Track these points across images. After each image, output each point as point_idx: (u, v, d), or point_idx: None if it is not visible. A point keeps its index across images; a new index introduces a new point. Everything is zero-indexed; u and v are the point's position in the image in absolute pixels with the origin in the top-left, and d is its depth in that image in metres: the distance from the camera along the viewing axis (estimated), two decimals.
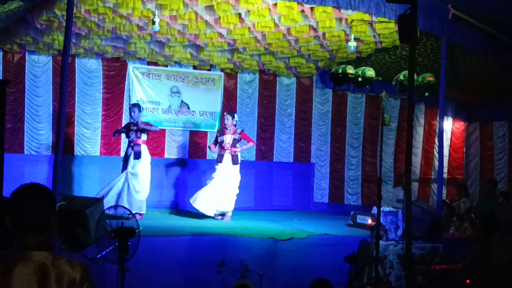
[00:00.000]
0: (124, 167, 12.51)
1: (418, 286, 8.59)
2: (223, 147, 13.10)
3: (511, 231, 9.23)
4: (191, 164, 15.55)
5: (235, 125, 13.24)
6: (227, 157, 13.10)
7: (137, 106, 12.96)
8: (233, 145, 13.10)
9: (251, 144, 13.66)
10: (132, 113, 12.71)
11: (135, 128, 12.57)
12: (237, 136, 13.17)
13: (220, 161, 13.10)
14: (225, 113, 13.59)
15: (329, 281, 6.35)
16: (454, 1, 11.54)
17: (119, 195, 12.25)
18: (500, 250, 7.52)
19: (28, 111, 14.17)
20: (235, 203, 13.26)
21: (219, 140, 13.17)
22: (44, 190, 3.24)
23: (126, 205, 11.52)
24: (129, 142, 12.60)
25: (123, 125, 14.84)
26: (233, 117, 13.29)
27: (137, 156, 12.46)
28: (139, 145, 12.53)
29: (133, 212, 11.56)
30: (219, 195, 12.98)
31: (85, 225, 9.13)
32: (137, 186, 12.44)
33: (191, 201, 13.04)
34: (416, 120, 16.84)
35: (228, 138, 13.11)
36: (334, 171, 17.01)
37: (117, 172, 14.70)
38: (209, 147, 13.58)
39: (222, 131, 13.30)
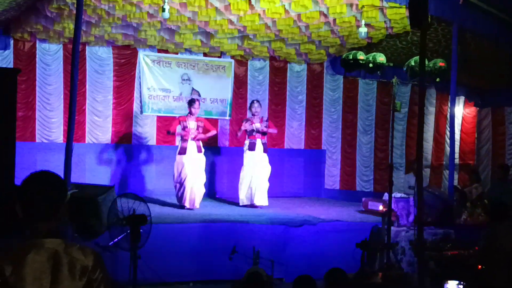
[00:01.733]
0: (185, 160, 12.69)
1: (429, 272, 8.59)
2: (254, 135, 13.26)
3: None
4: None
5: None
6: (259, 145, 13.29)
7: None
8: (264, 132, 13.36)
9: (275, 131, 13.85)
10: (195, 108, 12.90)
11: (202, 124, 12.93)
12: (265, 124, 13.35)
13: (253, 149, 13.30)
14: (255, 101, 13.67)
15: (343, 270, 6.35)
16: None
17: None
18: (509, 237, 7.51)
19: (40, 100, 14.22)
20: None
21: (248, 129, 13.27)
22: (54, 177, 3.25)
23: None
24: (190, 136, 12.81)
25: (134, 114, 14.92)
26: (261, 105, 13.66)
27: (200, 150, 12.84)
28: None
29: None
30: (264, 185, 13.42)
31: (97, 212, 9.14)
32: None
33: (259, 203, 13.32)
34: (428, 105, 16.78)
35: (258, 126, 13.27)
36: (345, 158, 17.00)
37: (128, 160, 14.78)
38: (238, 134, 13.74)
39: (248, 120, 13.42)
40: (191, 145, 12.66)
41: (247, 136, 13.38)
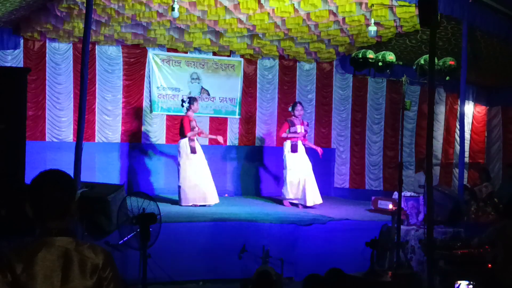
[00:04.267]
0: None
1: (439, 271, 8.57)
2: (296, 137, 13.32)
3: None
4: (211, 151, 15.52)
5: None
6: (301, 146, 13.40)
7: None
8: (304, 135, 13.51)
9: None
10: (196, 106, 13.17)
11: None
12: (306, 127, 13.58)
13: (296, 151, 13.35)
14: (298, 103, 13.80)
15: (341, 269, 6.37)
16: None
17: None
18: None
19: (50, 99, 14.26)
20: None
21: (291, 130, 13.33)
22: (63, 176, 3.25)
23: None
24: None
25: (143, 112, 14.96)
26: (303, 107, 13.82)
27: None
28: None
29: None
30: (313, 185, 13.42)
31: (106, 211, 9.16)
32: None
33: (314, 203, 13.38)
34: (438, 104, 16.75)
35: (299, 128, 13.39)
36: (354, 157, 16.99)
37: (137, 159, 14.81)
38: (283, 136, 13.68)
39: (292, 121, 13.43)
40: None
41: (287, 136, 13.47)
